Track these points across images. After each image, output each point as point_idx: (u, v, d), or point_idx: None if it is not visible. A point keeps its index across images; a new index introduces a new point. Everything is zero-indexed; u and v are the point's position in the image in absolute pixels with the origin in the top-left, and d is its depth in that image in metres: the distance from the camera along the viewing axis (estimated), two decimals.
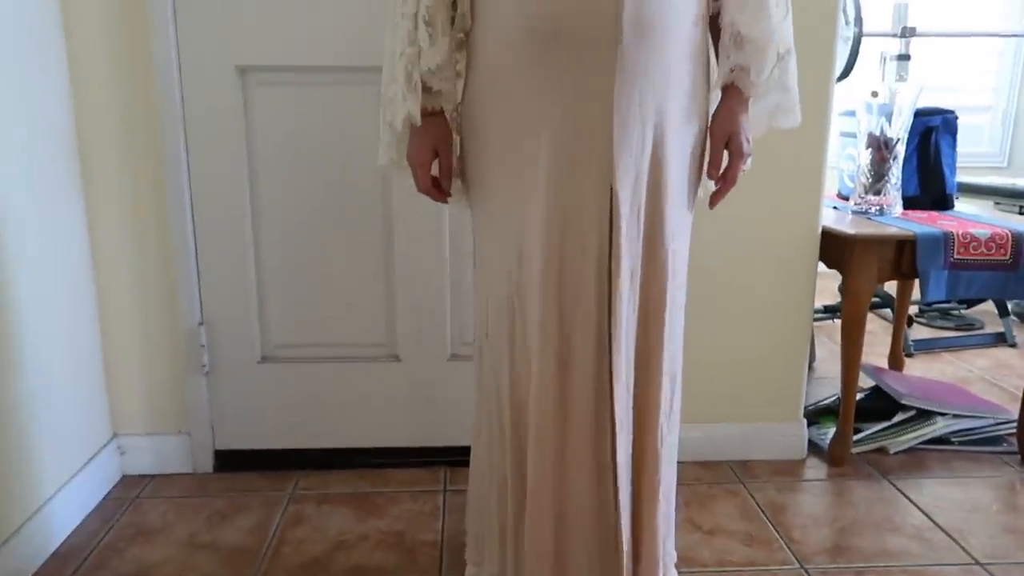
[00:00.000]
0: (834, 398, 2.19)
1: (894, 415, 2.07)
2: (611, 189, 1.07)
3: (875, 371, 2.31)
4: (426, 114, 1.15)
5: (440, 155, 1.19)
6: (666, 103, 1.09)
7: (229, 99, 1.71)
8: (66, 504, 1.63)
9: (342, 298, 1.84)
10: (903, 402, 2.07)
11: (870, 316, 3.28)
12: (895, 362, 2.58)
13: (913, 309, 3.24)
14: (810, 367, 2.65)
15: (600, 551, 1.17)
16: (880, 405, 2.12)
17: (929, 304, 3.24)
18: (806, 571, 1.52)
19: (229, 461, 1.89)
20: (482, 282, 1.22)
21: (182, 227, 1.75)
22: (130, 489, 1.82)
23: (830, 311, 3.01)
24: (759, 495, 1.81)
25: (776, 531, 1.66)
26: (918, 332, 3.08)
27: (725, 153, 1.19)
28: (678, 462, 1.91)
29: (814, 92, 1.79)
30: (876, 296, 3.31)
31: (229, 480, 1.86)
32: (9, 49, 1.47)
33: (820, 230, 1.88)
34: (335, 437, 1.90)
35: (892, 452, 2.01)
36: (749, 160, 1.22)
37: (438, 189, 1.22)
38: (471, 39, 1.13)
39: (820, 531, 1.66)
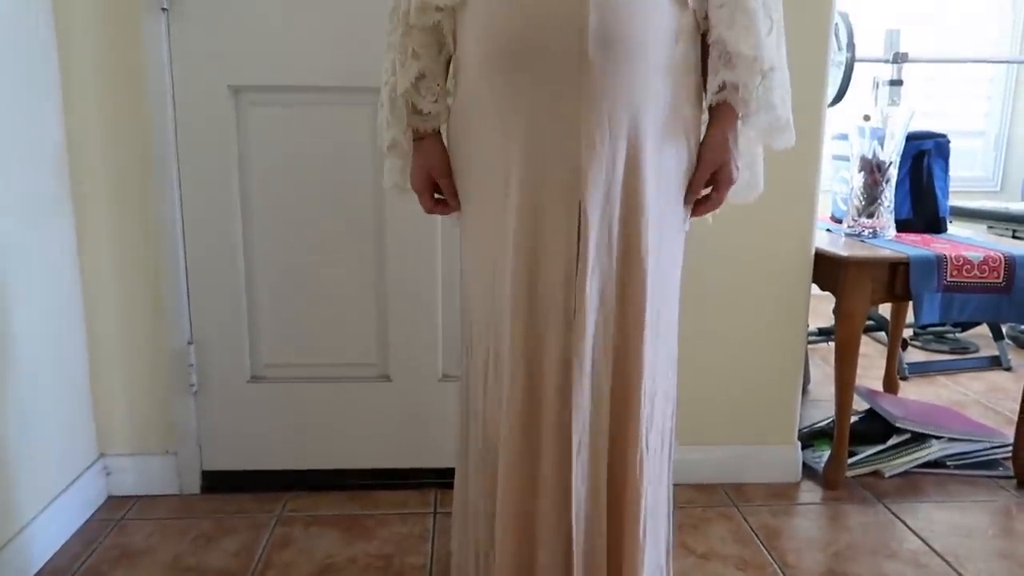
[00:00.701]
0: (828, 421, 2.18)
1: (889, 438, 2.06)
2: (579, 205, 1.06)
3: (870, 394, 2.30)
4: (420, 137, 1.18)
5: (438, 177, 1.20)
6: (641, 117, 1.07)
7: (222, 118, 1.71)
8: (49, 525, 1.60)
9: (333, 317, 1.83)
10: (898, 425, 2.06)
11: (865, 339, 3.28)
12: (890, 385, 2.57)
13: (908, 332, 3.24)
14: (805, 390, 2.64)
15: None
16: (875, 428, 2.10)
17: (924, 327, 3.23)
18: None
19: (216, 482, 1.87)
20: (465, 300, 1.22)
21: (173, 246, 1.75)
22: (115, 510, 1.79)
23: (825, 334, 3.00)
24: (753, 519, 1.79)
25: (770, 555, 1.64)
26: (913, 355, 3.08)
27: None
28: (673, 485, 1.90)
29: (807, 115, 1.80)
30: (871, 319, 3.31)
31: (216, 501, 1.83)
32: (1, 69, 1.47)
33: (813, 252, 1.88)
34: (325, 458, 1.87)
35: (887, 476, 1.99)
36: (753, 193, 1.27)
37: (444, 205, 1.23)
38: (455, 62, 1.16)
39: (814, 555, 1.64)
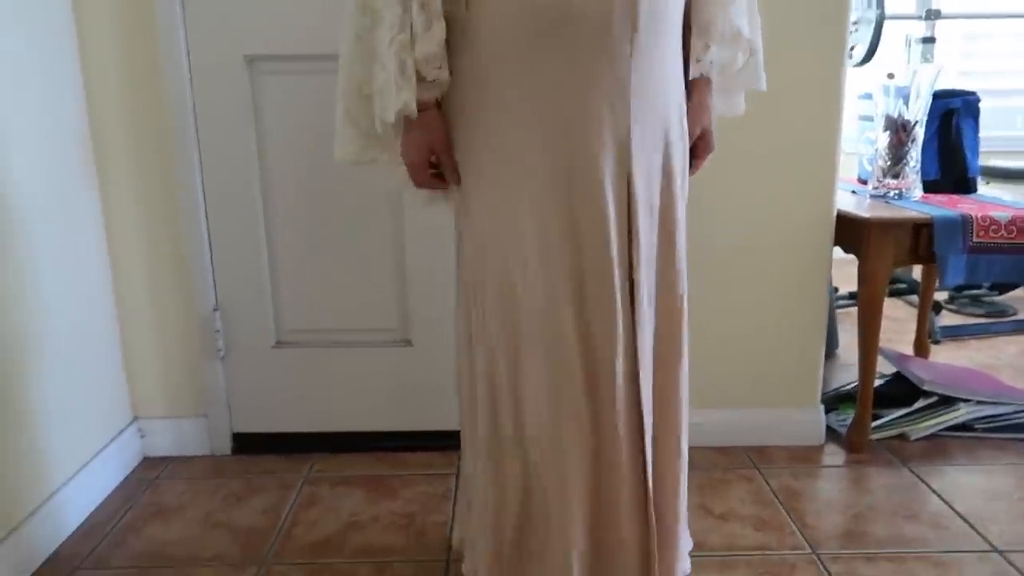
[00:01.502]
0: (854, 384, 2.16)
1: (915, 401, 2.04)
2: (628, 177, 1.07)
3: (898, 357, 2.27)
4: (422, 108, 1.07)
5: (440, 151, 1.12)
6: (668, 91, 1.11)
7: (238, 89, 1.73)
8: (87, 484, 1.67)
9: (354, 283, 1.86)
10: (924, 388, 2.04)
11: (897, 302, 3.23)
12: (920, 349, 2.53)
13: (943, 295, 3.18)
14: (833, 353, 2.61)
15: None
16: (901, 391, 2.08)
17: (959, 290, 3.17)
18: (817, 556, 1.50)
19: (246, 443, 1.93)
20: (474, 276, 1.15)
21: (195, 214, 1.79)
22: (150, 470, 1.86)
23: (853, 297, 2.96)
24: (774, 481, 1.79)
25: (789, 516, 1.64)
26: (948, 319, 3.02)
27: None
28: (693, 447, 1.91)
29: (825, 74, 1.77)
30: (902, 282, 3.25)
31: (246, 462, 1.89)
32: (24, 46, 1.51)
33: (835, 214, 1.86)
34: (350, 420, 1.92)
35: (912, 439, 1.98)
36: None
37: (439, 180, 1.16)
38: (465, 23, 1.07)
39: (834, 517, 1.64)
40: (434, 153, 1.12)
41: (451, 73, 1.08)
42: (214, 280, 1.84)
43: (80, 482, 1.64)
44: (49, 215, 1.57)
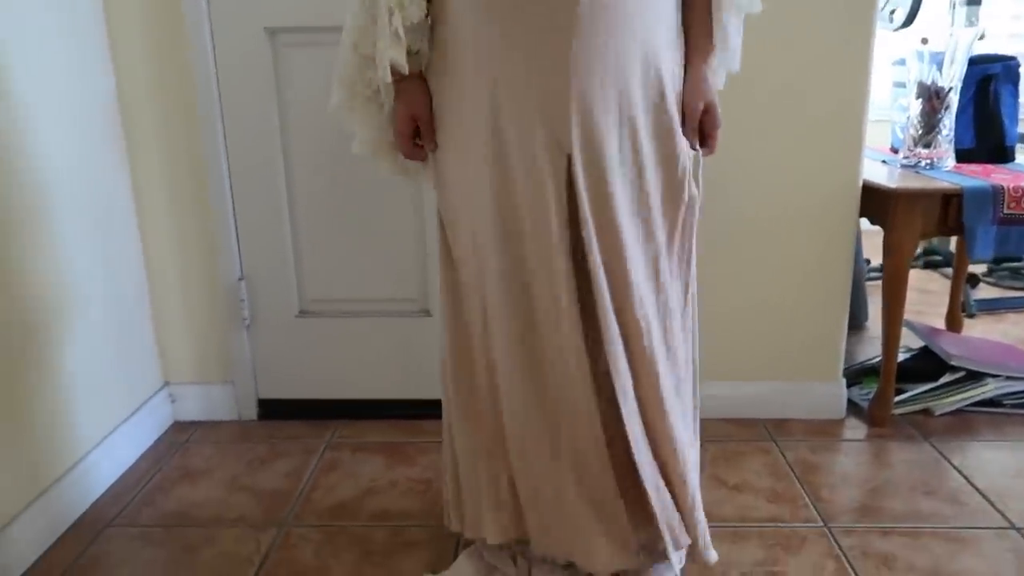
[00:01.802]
0: (879, 358, 2.13)
1: (941, 376, 2.00)
2: (568, 158, 1.06)
3: (927, 331, 2.23)
4: (403, 78, 1.12)
5: (421, 121, 1.15)
6: (631, 73, 1.06)
7: (259, 61, 1.75)
8: (119, 446, 1.74)
9: (375, 254, 1.89)
10: (951, 363, 2.00)
11: (933, 275, 3.16)
12: (953, 323, 2.48)
13: (981, 268, 3.09)
14: (862, 326, 2.58)
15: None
16: (927, 366, 2.05)
17: (998, 262, 3.08)
18: (828, 529, 1.50)
19: (272, 409, 1.98)
20: (447, 249, 1.22)
21: (220, 186, 1.82)
22: (180, 434, 1.93)
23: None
24: (790, 454, 1.79)
25: (803, 489, 1.64)
26: (985, 292, 2.95)
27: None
28: (711, 419, 1.92)
29: (853, 40, 1.72)
30: (938, 254, 3.18)
31: (271, 427, 1.95)
32: (54, 23, 1.54)
33: (860, 185, 1.82)
34: (370, 388, 1.96)
35: (937, 414, 1.95)
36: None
37: (421, 150, 1.20)
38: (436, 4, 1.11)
39: (849, 491, 1.64)
40: (416, 122, 1.16)
41: (431, 47, 1.13)
42: (239, 250, 1.88)
43: (112, 444, 1.71)
44: (81, 187, 1.62)
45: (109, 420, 1.73)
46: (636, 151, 1.09)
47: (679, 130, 1.13)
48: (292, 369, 1.96)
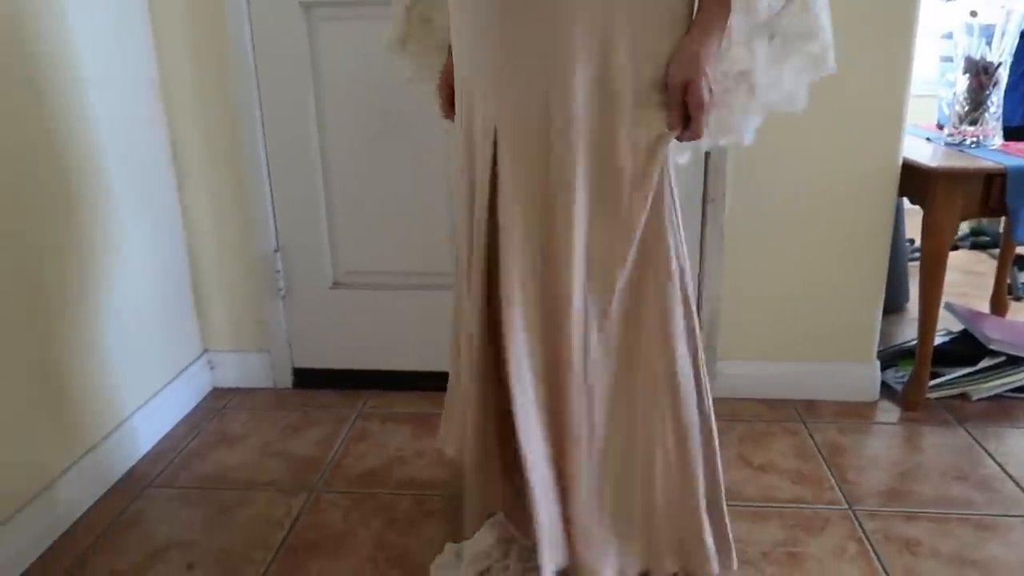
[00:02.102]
0: (916, 340, 2.09)
1: (980, 360, 1.96)
2: (494, 131, 1.04)
3: (968, 314, 2.17)
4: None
5: (444, 87, 1.26)
6: (568, 49, 0.99)
7: (295, 35, 1.77)
8: (159, 410, 1.81)
9: (408, 228, 1.91)
10: (991, 347, 1.95)
11: (981, 256, 3.07)
12: (998, 306, 2.41)
13: None
14: (902, 308, 2.52)
15: None
16: (966, 349, 2.00)
17: None
18: (853, 512, 1.49)
19: (306, 378, 2.03)
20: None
21: (255, 159, 1.86)
22: (218, 400, 1.99)
23: None
24: (819, 435, 1.77)
25: (829, 471, 1.63)
26: None
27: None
28: (741, 399, 1.91)
29: (896, 11, 1.66)
30: (986, 234, 3.08)
31: (305, 396, 2.00)
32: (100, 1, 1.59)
33: (900, 163, 1.77)
34: (402, 360, 2.00)
35: (974, 399, 1.91)
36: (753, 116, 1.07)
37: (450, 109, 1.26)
38: None
39: (877, 474, 1.62)
40: (447, 86, 1.23)
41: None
42: (275, 222, 1.92)
43: (154, 407, 1.78)
44: (124, 158, 1.67)
45: (152, 384, 1.79)
46: (566, 131, 1.02)
47: (631, 112, 1.01)
48: (326, 339, 2.00)
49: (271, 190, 1.90)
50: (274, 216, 1.91)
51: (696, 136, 1.02)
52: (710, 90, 0.99)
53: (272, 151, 1.87)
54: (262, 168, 1.87)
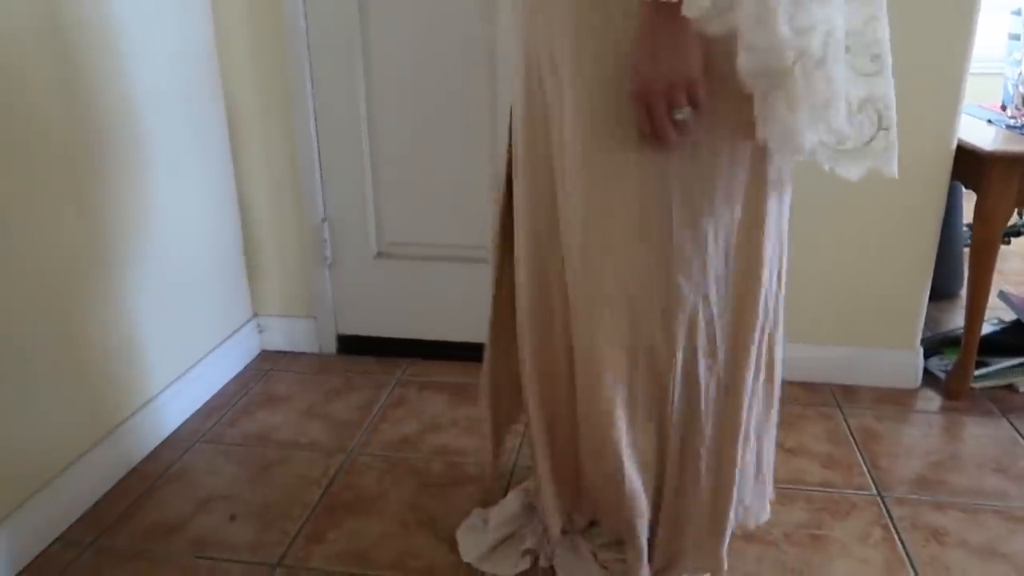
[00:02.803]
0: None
1: None
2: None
3: (1022, 303, 2.10)
4: None
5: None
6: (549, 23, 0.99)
7: (346, 10, 1.81)
8: (211, 370, 1.90)
9: (450, 202, 1.94)
10: None
11: None
12: None
13: None
14: (955, 294, 2.45)
15: None
16: (1017, 340, 1.95)
17: None
18: (881, 498, 1.48)
19: (349, 345, 2.10)
20: None
21: (306, 131, 1.91)
22: (266, 362, 2.08)
23: None
24: (854, 420, 1.76)
25: (861, 457, 1.62)
26: None
27: None
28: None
29: None
30: None
31: (348, 362, 2.07)
32: None
33: (954, 146, 1.72)
34: (441, 330, 2.04)
35: (1021, 390, 1.86)
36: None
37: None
38: None
39: (911, 462, 1.60)
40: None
41: None
42: (323, 192, 1.98)
43: (206, 367, 1.87)
44: (181, 130, 1.74)
45: (204, 345, 1.88)
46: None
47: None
48: (369, 308, 2.06)
49: (320, 161, 1.95)
50: (322, 187, 1.97)
51: (659, 138, 0.93)
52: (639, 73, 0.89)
53: (322, 123, 1.92)
54: (312, 139, 1.93)
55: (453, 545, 1.37)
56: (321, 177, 1.97)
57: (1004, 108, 2.05)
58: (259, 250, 2.06)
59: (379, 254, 2.03)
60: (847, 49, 0.90)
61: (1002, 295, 2.07)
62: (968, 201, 2.29)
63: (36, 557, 1.36)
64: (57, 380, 1.42)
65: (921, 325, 1.87)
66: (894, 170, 0.96)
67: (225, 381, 1.97)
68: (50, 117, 1.39)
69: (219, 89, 1.90)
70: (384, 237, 2.01)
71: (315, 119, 1.92)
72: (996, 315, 2.08)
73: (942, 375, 1.91)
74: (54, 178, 1.40)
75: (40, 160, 1.36)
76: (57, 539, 1.40)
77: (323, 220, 2.00)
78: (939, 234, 1.79)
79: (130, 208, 1.60)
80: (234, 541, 1.39)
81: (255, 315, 2.11)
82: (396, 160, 1.94)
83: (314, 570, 1.32)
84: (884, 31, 0.95)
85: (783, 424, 1.74)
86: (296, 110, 1.90)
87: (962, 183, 1.80)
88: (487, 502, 1.47)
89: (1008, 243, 2.94)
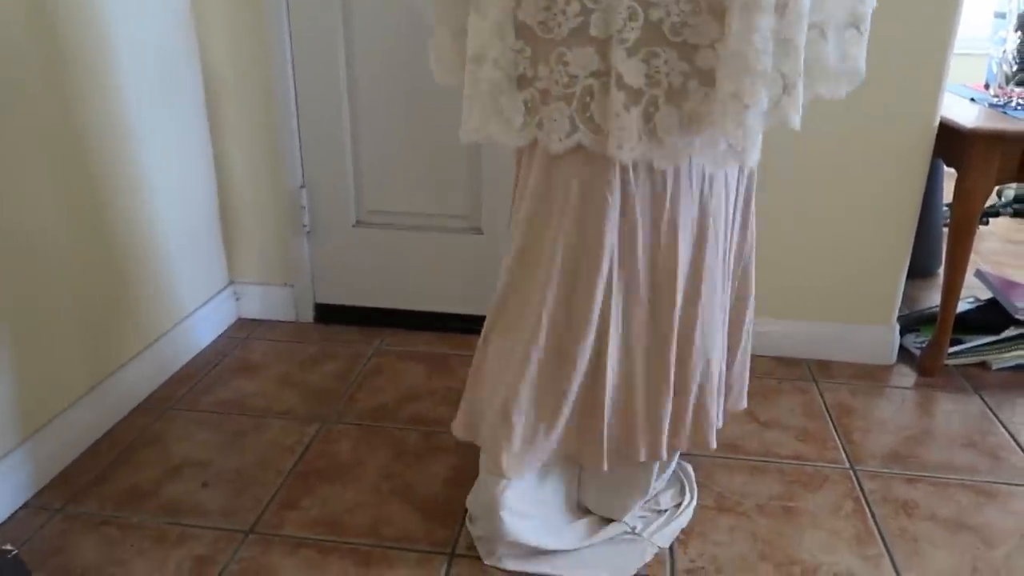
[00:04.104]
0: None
1: (1005, 330, 1.92)
2: None
3: (999, 282, 2.11)
4: None
5: None
6: None
7: None
8: (186, 336, 1.88)
9: (431, 172, 1.92)
10: (1017, 316, 1.91)
11: (1023, 224, 2.97)
12: None
13: None
14: (933, 273, 2.47)
15: None
16: (992, 318, 1.96)
17: None
18: (853, 471, 1.50)
19: (327, 313, 2.08)
20: None
21: (285, 97, 1.88)
22: (242, 330, 2.06)
23: None
24: (829, 395, 1.77)
25: (835, 431, 1.63)
26: None
27: None
28: (754, 356, 1.90)
29: None
30: None
31: (325, 331, 2.05)
32: None
33: (937, 124, 1.72)
34: (420, 300, 2.03)
35: (994, 368, 1.88)
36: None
37: None
38: None
39: (883, 437, 1.62)
40: None
41: None
42: (301, 158, 1.95)
43: (180, 333, 1.85)
44: (155, 88, 1.70)
45: (179, 311, 1.86)
46: None
47: None
48: (347, 276, 2.04)
49: (299, 126, 1.92)
50: (301, 152, 1.94)
51: None
52: None
53: (301, 88, 1.88)
54: (291, 105, 1.89)
55: (426, 513, 1.37)
56: (300, 143, 1.93)
57: (987, 87, 2.06)
58: (236, 216, 2.02)
59: (358, 222, 2.00)
60: None
61: (979, 274, 2.08)
62: (948, 180, 2.30)
63: (4, 521, 1.34)
64: (28, 345, 1.39)
65: (898, 302, 1.88)
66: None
67: (201, 348, 1.94)
68: (24, 82, 1.35)
69: (195, 52, 1.85)
70: (363, 205, 1.99)
71: (294, 84, 1.88)
72: (972, 294, 2.09)
73: (917, 352, 1.92)
74: (27, 143, 1.36)
75: (13, 125, 1.32)
76: (25, 504, 1.39)
77: (301, 187, 1.97)
78: (919, 212, 1.80)
79: (103, 172, 1.56)
80: (206, 507, 1.38)
81: (231, 282, 2.09)
82: (376, 127, 1.91)
83: (287, 537, 1.31)
84: None
85: (758, 396, 1.75)
86: (275, 75, 1.86)
87: (943, 161, 1.80)
88: (462, 473, 1.46)
89: (986, 223, 2.97)
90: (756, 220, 1.29)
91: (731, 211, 1.20)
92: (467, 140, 1.10)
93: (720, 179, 1.13)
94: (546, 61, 1.02)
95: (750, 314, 1.33)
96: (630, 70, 0.98)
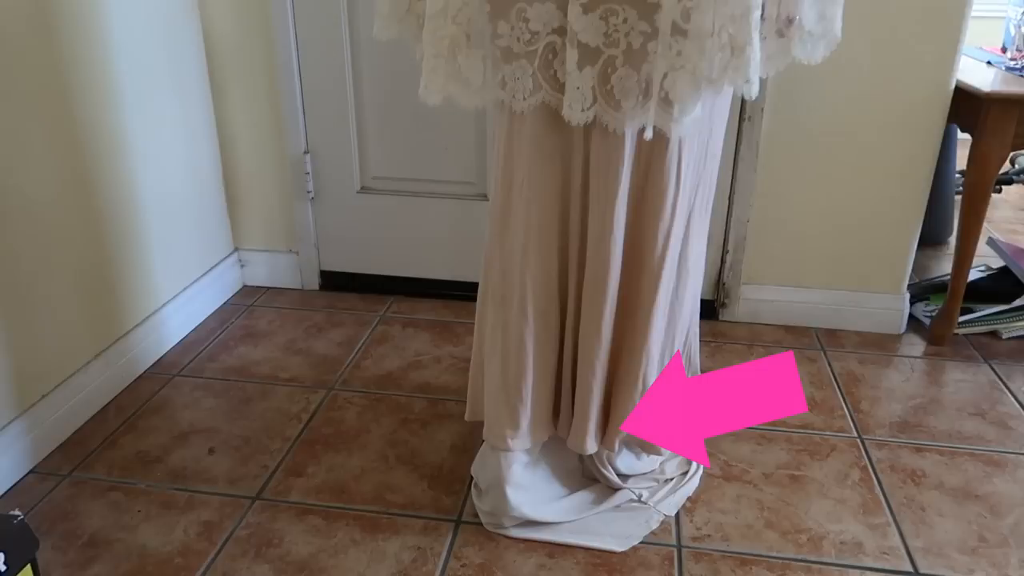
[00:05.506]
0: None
1: (1016, 298, 1.90)
2: None
3: (1012, 251, 2.09)
4: None
5: None
6: None
7: None
8: (192, 303, 1.87)
9: (435, 137, 1.89)
10: None
11: None
12: None
13: None
14: (944, 241, 2.44)
15: None
16: (1003, 287, 1.94)
17: None
18: (861, 441, 1.49)
19: (332, 281, 2.07)
20: None
21: (288, 61, 1.84)
22: (247, 297, 2.05)
23: None
24: (837, 364, 1.76)
25: (843, 400, 1.62)
26: None
27: None
28: (764, 324, 1.90)
29: None
30: None
31: (330, 298, 2.04)
32: None
33: (952, 88, 1.68)
34: (425, 267, 2.02)
35: (1004, 337, 1.86)
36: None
37: None
38: None
39: (891, 405, 1.61)
40: None
41: None
42: (304, 124, 1.92)
43: (185, 300, 1.84)
44: (157, 54, 1.67)
45: (183, 278, 1.85)
46: None
47: None
48: (352, 243, 2.03)
49: (302, 91, 1.89)
50: (304, 118, 1.91)
51: None
52: None
53: (304, 53, 1.85)
54: (294, 70, 1.86)
55: (432, 481, 1.37)
56: (303, 108, 1.91)
57: (1004, 50, 2.01)
58: (240, 183, 2.00)
59: (363, 188, 1.98)
60: None
61: (991, 242, 2.06)
62: (962, 148, 2.26)
63: (11, 487, 1.35)
64: (32, 312, 1.39)
65: (909, 270, 1.86)
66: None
67: (206, 315, 1.94)
68: (26, 50, 1.32)
69: (197, 18, 1.82)
70: (368, 171, 1.97)
71: (297, 49, 1.85)
72: (984, 263, 2.07)
73: (927, 320, 1.91)
74: (30, 110, 1.34)
75: (18, 93, 1.30)
76: (32, 470, 1.39)
77: (305, 152, 1.94)
78: (932, 179, 1.77)
79: (106, 139, 1.54)
80: (213, 473, 1.39)
81: (236, 249, 2.07)
82: (380, 92, 1.88)
83: (293, 503, 1.32)
84: None
85: None
86: (277, 39, 1.83)
87: (958, 125, 1.76)
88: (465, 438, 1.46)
89: (999, 191, 2.93)
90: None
91: (684, 180, 1.12)
92: (428, 101, 1.06)
93: (674, 143, 1.07)
94: (506, 17, 0.98)
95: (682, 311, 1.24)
96: (586, 27, 0.95)
